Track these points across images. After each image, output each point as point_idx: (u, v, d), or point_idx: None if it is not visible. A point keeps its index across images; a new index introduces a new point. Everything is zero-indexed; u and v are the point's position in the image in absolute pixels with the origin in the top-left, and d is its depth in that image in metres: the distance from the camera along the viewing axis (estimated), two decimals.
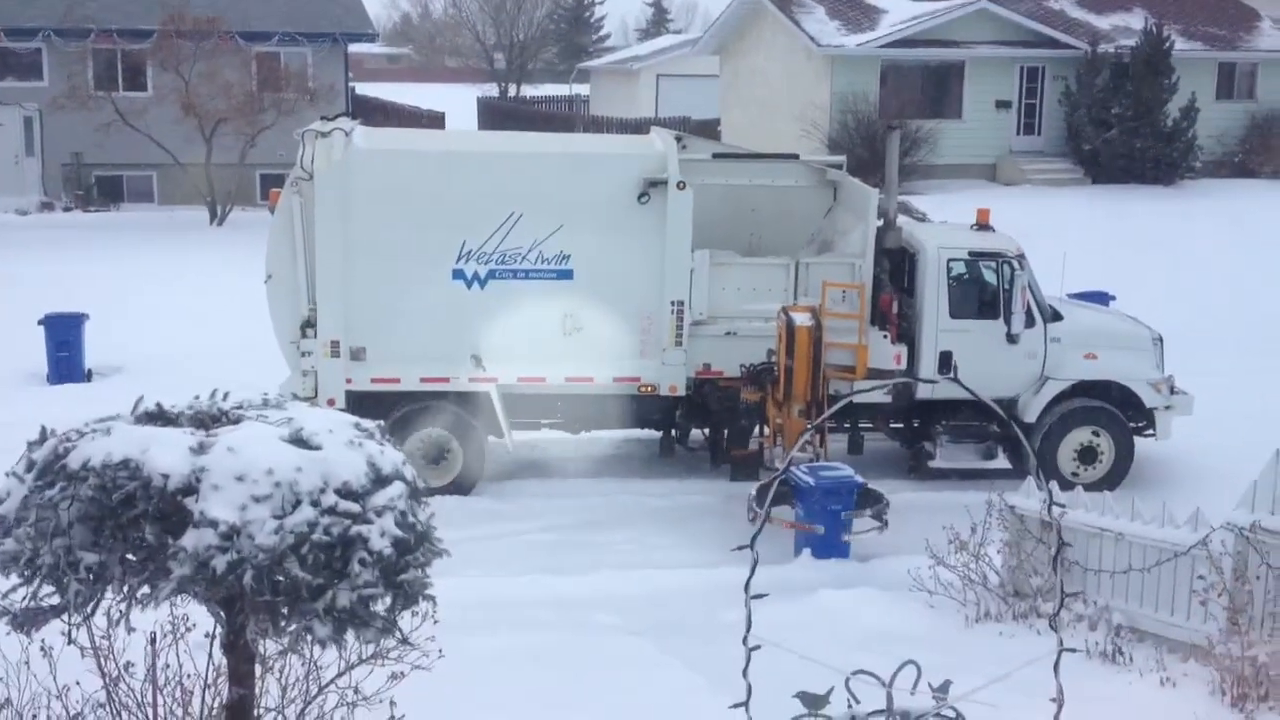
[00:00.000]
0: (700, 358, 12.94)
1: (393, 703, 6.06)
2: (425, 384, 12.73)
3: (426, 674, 5.99)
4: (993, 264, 13.09)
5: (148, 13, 29.60)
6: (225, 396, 5.89)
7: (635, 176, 12.61)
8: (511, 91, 61.61)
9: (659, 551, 11.36)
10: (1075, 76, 29.34)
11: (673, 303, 12.72)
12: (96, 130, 27.67)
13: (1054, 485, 9.41)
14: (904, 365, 12.96)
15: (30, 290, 19.16)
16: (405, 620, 5.56)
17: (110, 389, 15.64)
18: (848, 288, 12.84)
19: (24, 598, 5.26)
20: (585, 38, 74.33)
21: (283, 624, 5.38)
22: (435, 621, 5.73)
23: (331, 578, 5.30)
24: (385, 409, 12.38)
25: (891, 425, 13.69)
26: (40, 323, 16.83)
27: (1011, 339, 12.94)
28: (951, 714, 4.26)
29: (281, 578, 5.19)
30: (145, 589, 5.31)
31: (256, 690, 5.91)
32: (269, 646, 5.74)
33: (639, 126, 31.52)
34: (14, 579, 5.26)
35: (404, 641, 5.64)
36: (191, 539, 5.11)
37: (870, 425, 13.45)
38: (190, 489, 5.20)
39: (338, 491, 5.36)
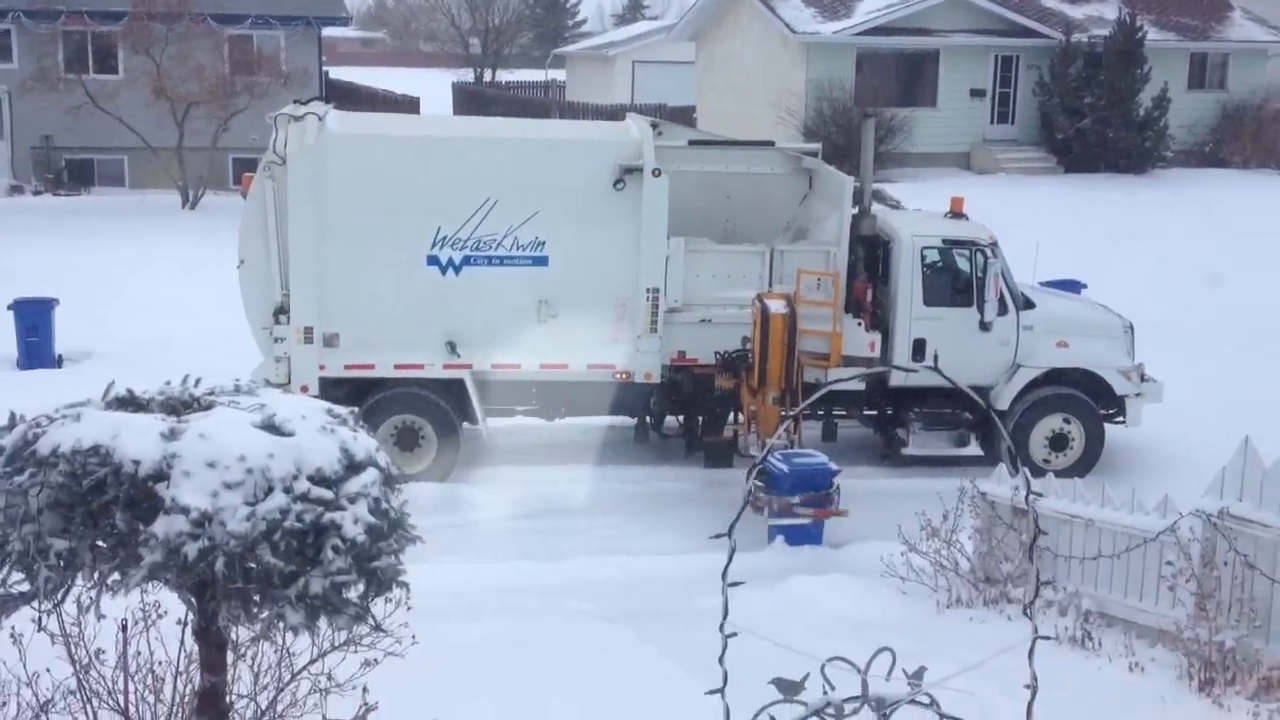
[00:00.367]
0: (675, 345, 12.95)
1: (365, 689, 6.05)
2: (399, 371, 12.69)
3: (400, 661, 5.98)
4: (966, 252, 13.14)
5: None
6: (197, 382, 5.85)
7: (611, 163, 12.59)
8: (487, 77, 61.34)
9: (634, 538, 11.38)
10: (1049, 66, 29.45)
11: (648, 290, 12.72)
12: (67, 113, 27.40)
13: (1027, 472, 9.49)
14: (878, 353, 13.01)
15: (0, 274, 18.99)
16: (378, 607, 5.55)
17: (81, 374, 15.52)
18: (822, 275, 12.87)
19: None
20: (561, 23, 74.10)
21: (255, 611, 5.36)
22: (409, 608, 5.71)
23: (304, 565, 5.28)
24: (359, 396, 12.36)
25: (865, 412, 13.74)
26: (9, 308, 16.69)
27: (984, 327, 13.01)
28: (926, 700, 4.27)
29: (253, 565, 5.17)
30: (116, 576, 5.28)
31: (229, 677, 5.89)
32: (241, 633, 5.72)
33: (615, 113, 31.44)
34: None
35: (377, 628, 5.63)
36: (162, 526, 5.08)
37: (844, 413, 13.50)
38: (161, 475, 5.17)
39: (310, 478, 5.34)
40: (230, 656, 5.86)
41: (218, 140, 27.71)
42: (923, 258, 13.11)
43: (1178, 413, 13.78)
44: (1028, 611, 4.56)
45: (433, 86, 48.12)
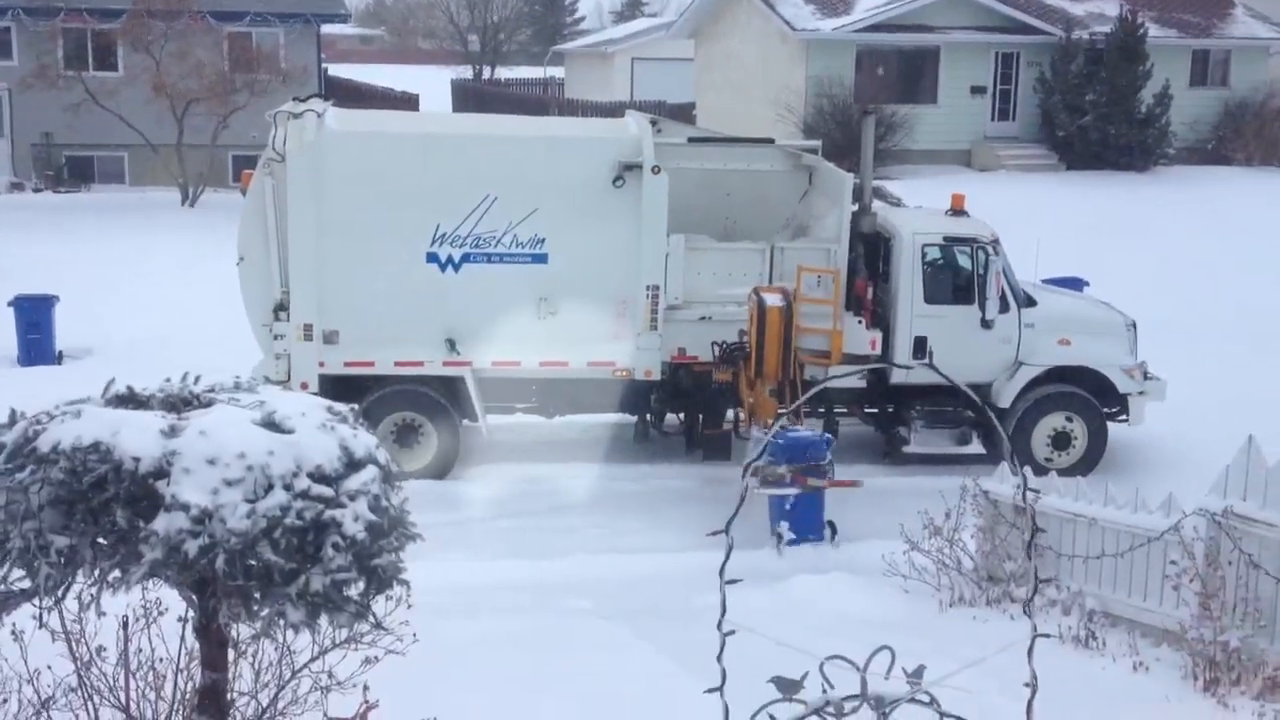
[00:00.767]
0: (675, 342, 12.93)
1: (366, 687, 6.04)
2: (399, 368, 12.67)
3: (400, 658, 5.97)
4: (967, 249, 13.12)
5: None
6: (197, 379, 5.85)
7: (610, 160, 12.57)
8: (486, 74, 61.28)
9: (633, 536, 11.35)
10: (1050, 63, 29.41)
11: (648, 287, 12.69)
12: (67, 110, 27.37)
13: (1028, 471, 9.47)
14: (879, 350, 12.99)
15: (0, 271, 18.94)
16: (379, 605, 5.54)
17: (81, 371, 15.51)
18: (823, 273, 12.85)
19: None
20: (560, 20, 74.04)
21: (255, 608, 5.35)
22: (409, 606, 5.71)
23: (304, 562, 5.27)
24: (359, 393, 12.33)
25: (866, 410, 13.72)
26: (10, 304, 16.67)
27: (986, 324, 12.98)
28: (926, 699, 4.26)
29: (254, 562, 5.16)
30: (116, 573, 5.27)
31: (230, 674, 5.88)
32: (242, 631, 5.72)
33: (614, 110, 31.43)
34: None
35: (377, 626, 5.62)
36: (163, 523, 5.07)
37: (845, 410, 13.48)
38: (161, 472, 5.16)
39: (310, 475, 5.33)
40: (231, 654, 5.86)
41: (217, 137, 27.68)
42: (923, 255, 13.09)
43: (1181, 411, 13.75)
44: (1027, 610, 4.55)
45: (432, 84, 48.09)
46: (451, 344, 12.62)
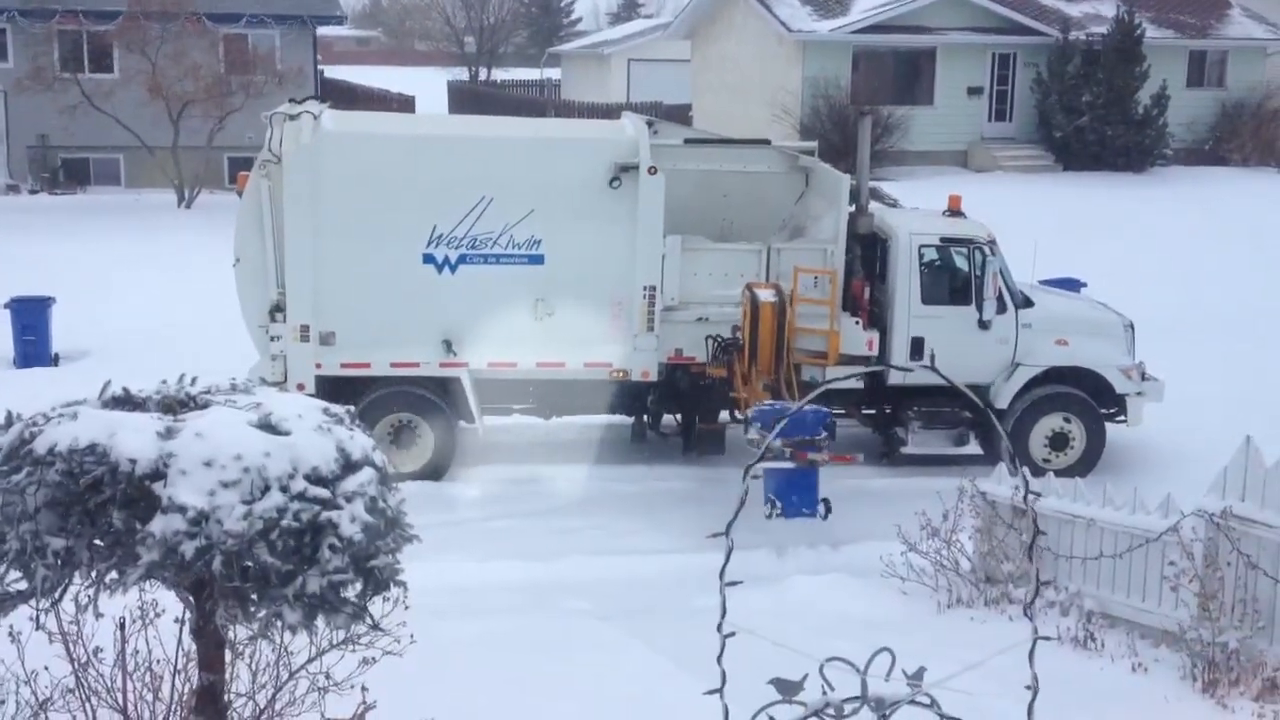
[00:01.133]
0: (672, 343, 12.92)
1: (364, 688, 6.02)
2: (395, 369, 12.66)
3: (398, 659, 5.96)
4: (964, 250, 13.12)
5: None
6: (193, 381, 5.83)
7: (607, 161, 12.56)
8: (482, 75, 61.30)
9: (630, 537, 11.35)
10: (1047, 63, 29.46)
11: (644, 288, 12.69)
12: (62, 112, 27.33)
13: (1026, 471, 9.46)
14: (876, 351, 12.98)
15: None
16: (376, 606, 5.53)
17: (77, 373, 15.49)
18: (819, 273, 12.84)
19: None
20: (556, 22, 74.05)
21: (252, 610, 5.33)
22: (406, 607, 5.69)
23: (301, 564, 5.25)
24: (355, 394, 12.32)
25: (864, 411, 13.72)
26: (6, 306, 16.64)
27: (983, 325, 12.98)
28: (926, 701, 4.24)
29: (250, 563, 5.14)
30: (113, 574, 5.25)
31: (227, 676, 5.86)
32: (239, 632, 5.70)
33: (610, 111, 31.42)
34: None
35: (375, 627, 5.61)
36: (159, 524, 5.05)
37: (842, 411, 13.46)
38: (158, 474, 5.14)
39: (307, 477, 5.31)
40: (228, 655, 5.84)
41: (213, 139, 27.66)
42: (920, 256, 13.09)
43: (1179, 412, 13.76)
44: (1028, 612, 4.54)
45: (428, 85, 48.08)
46: (448, 345, 12.61)
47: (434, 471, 12.74)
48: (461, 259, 12.59)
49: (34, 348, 16.53)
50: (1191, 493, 8.71)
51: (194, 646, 5.73)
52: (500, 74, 61.08)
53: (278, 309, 12.43)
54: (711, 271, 12.92)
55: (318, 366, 12.49)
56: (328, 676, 6.02)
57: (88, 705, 5.90)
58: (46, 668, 5.89)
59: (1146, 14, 30.22)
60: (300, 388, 12.06)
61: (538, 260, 12.64)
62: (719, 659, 4.27)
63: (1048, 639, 5.99)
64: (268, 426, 5.41)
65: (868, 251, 13.28)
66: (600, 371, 12.86)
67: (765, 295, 12.16)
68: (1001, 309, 13.03)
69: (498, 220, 12.53)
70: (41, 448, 5.16)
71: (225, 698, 5.81)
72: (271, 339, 12.47)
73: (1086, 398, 13.25)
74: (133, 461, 5.12)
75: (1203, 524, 8.38)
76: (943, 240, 13.20)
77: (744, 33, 32.38)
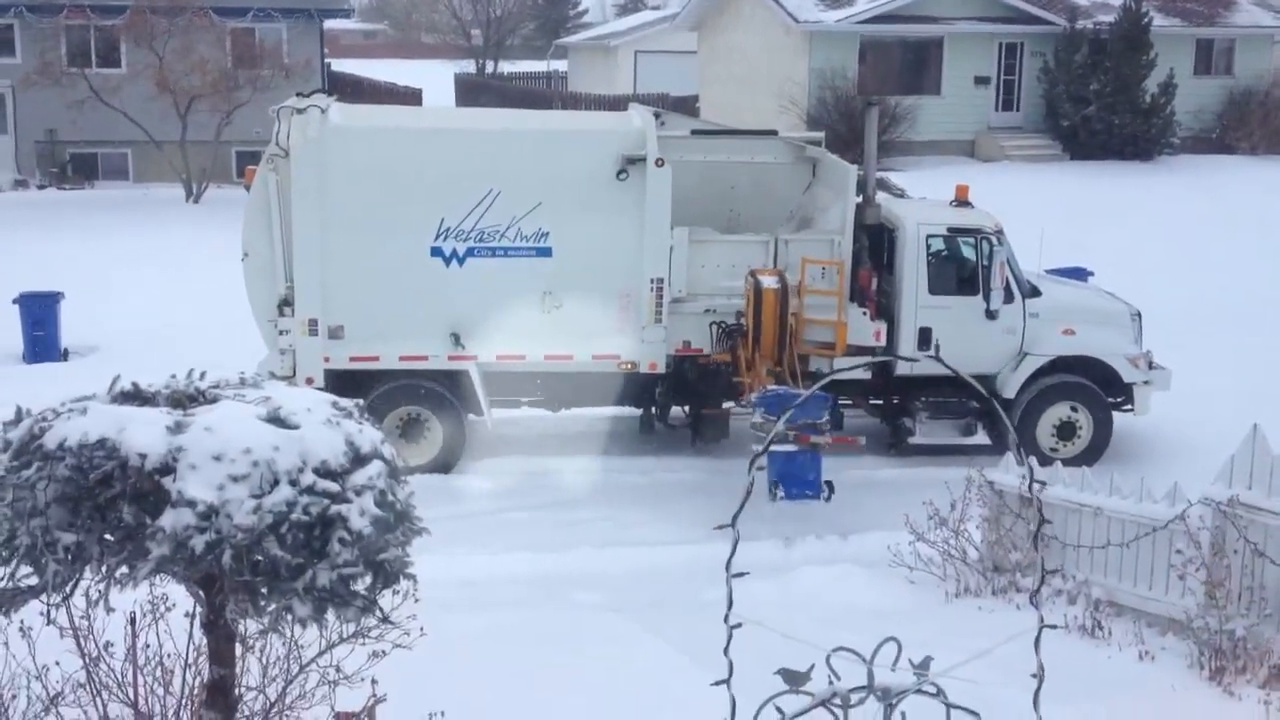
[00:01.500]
0: (680, 335, 12.92)
1: (374, 681, 6.05)
2: (404, 362, 12.68)
3: (408, 652, 5.98)
4: (971, 240, 13.11)
5: None
6: (202, 376, 5.84)
7: (614, 153, 12.55)
8: (489, 68, 61.24)
9: (639, 529, 11.37)
10: (1054, 53, 29.38)
11: (652, 280, 12.69)
12: (70, 107, 27.39)
13: (1033, 461, 9.46)
14: (884, 342, 12.98)
15: (5, 268, 18.97)
16: (386, 599, 5.55)
17: (87, 368, 15.54)
18: (827, 264, 12.84)
19: (1, 578, 5.22)
20: (562, 14, 73.92)
21: (262, 603, 5.35)
22: (416, 600, 5.71)
23: (311, 557, 5.27)
24: (364, 387, 12.35)
25: (871, 402, 13.72)
26: (15, 301, 16.69)
27: (990, 315, 12.97)
28: (933, 690, 4.26)
29: (260, 557, 5.16)
30: (124, 569, 5.28)
31: (237, 669, 5.89)
32: (249, 626, 5.72)
33: (617, 103, 31.39)
34: None
35: (385, 620, 5.63)
36: (169, 519, 5.07)
37: (850, 402, 13.48)
38: (168, 469, 5.16)
39: (316, 471, 5.33)
40: (239, 649, 5.86)
41: (221, 133, 27.69)
42: (928, 246, 13.08)
43: (1186, 400, 13.74)
44: (1034, 600, 4.55)
45: (435, 78, 48.05)
46: (456, 338, 12.63)
47: (443, 464, 12.77)
48: (469, 252, 12.60)
49: (43, 343, 16.60)
50: (1198, 481, 8.72)
51: (204, 640, 5.75)
52: (507, 66, 61.02)
53: (286, 303, 12.45)
54: (719, 263, 12.92)
55: (326, 360, 12.51)
56: (338, 669, 6.05)
57: (98, 700, 5.93)
58: (58, 662, 5.93)
59: (1153, 2, 30.11)
60: (309, 381, 12.09)
61: (545, 253, 12.65)
62: (726, 650, 4.29)
63: (1054, 628, 6.00)
64: (277, 420, 5.43)
65: (875, 242, 13.26)
66: (608, 364, 12.87)
67: (768, 281, 12.21)
68: (1009, 299, 13.02)
69: (505, 213, 12.54)
70: (51, 443, 5.18)
71: (236, 691, 5.83)
72: (280, 333, 12.49)
73: (1094, 387, 13.23)
74: (142, 456, 5.14)
75: (1210, 512, 8.38)
76: (950, 230, 13.19)
77: (751, 24, 32.32)
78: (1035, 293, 13.33)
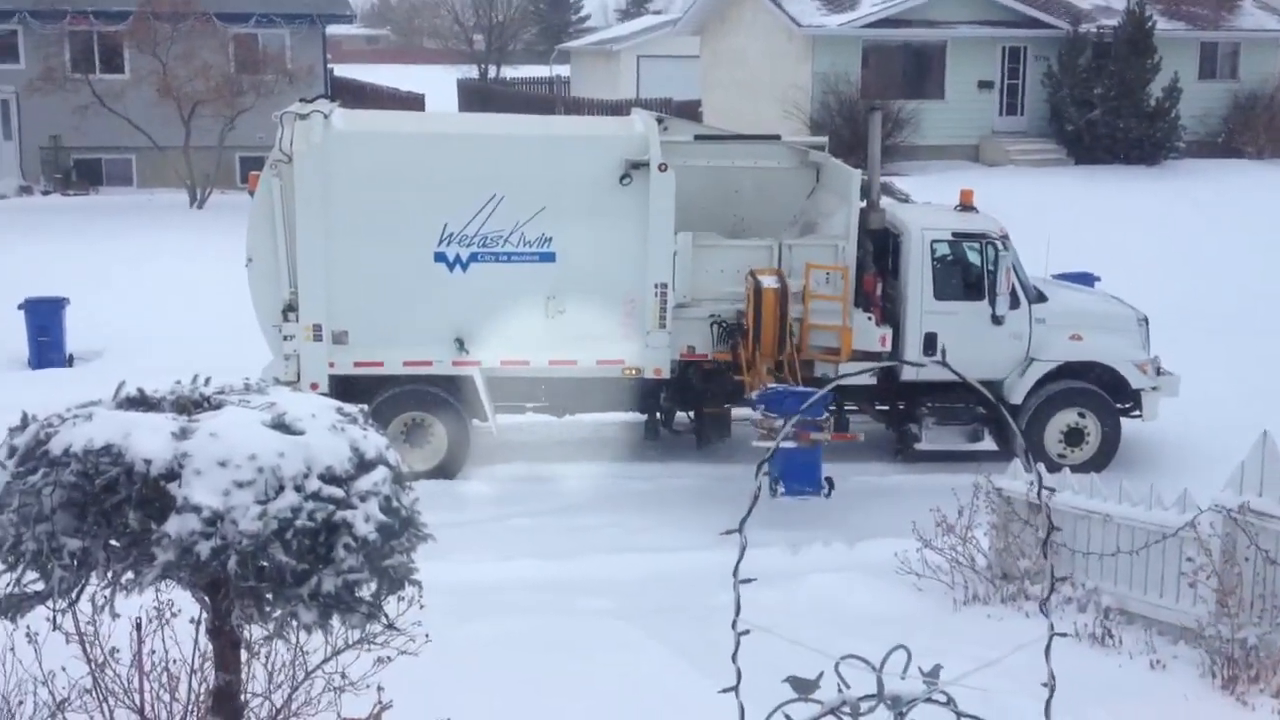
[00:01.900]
0: (684, 340, 12.90)
1: (380, 688, 6.02)
2: (408, 367, 12.66)
3: (413, 659, 5.95)
4: (977, 245, 13.08)
5: None
6: (207, 381, 5.83)
7: (617, 158, 12.54)
8: (491, 73, 61.30)
9: (645, 534, 11.34)
10: (1057, 57, 29.34)
11: (656, 285, 12.67)
12: (74, 113, 27.40)
13: (1042, 467, 9.41)
14: (889, 347, 12.95)
15: (10, 274, 18.98)
16: (391, 605, 5.52)
17: (92, 373, 15.54)
18: (831, 269, 12.81)
19: (8, 584, 5.21)
20: (565, 18, 74.03)
21: (268, 609, 5.33)
22: (421, 606, 5.69)
23: (316, 563, 5.25)
24: (369, 393, 12.34)
25: (877, 407, 13.68)
26: (20, 307, 16.69)
27: (996, 320, 12.94)
28: (943, 699, 4.22)
29: (266, 563, 5.14)
30: (129, 575, 5.26)
31: (243, 676, 5.86)
32: (254, 632, 5.69)
33: (620, 108, 31.40)
34: None
35: (390, 627, 5.60)
36: (175, 525, 5.05)
37: (855, 408, 13.44)
38: (173, 474, 5.14)
39: (321, 477, 5.31)
40: (244, 655, 5.84)
41: (224, 139, 27.70)
42: (933, 251, 13.05)
43: (1195, 406, 13.70)
44: (1044, 608, 4.51)
45: (437, 83, 48.11)
46: (460, 343, 12.61)
47: (447, 470, 12.74)
48: (473, 257, 12.58)
49: (49, 348, 16.60)
50: (1208, 488, 8.67)
51: (210, 646, 5.73)
52: (509, 71, 61.08)
53: (290, 308, 12.44)
54: (723, 268, 12.90)
55: (331, 365, 12.50)
56: (343, 676, 6.02)
57: (105, 706, 5.91)
58: (64, 668, 5.91)
59: (1157, 6, 30.06)
60: (314, 387, 12.08)
61: (549, 258, 12.63)
62: (734, 657, 4.25)
63: (1064, 636, 5.97)
64: (282, 426, 5.41)
65: (879, 247, 13.24)
66: (613, 369, 12.85)
67: (768, 281, 12.26)
68: (1015, 304, 12.98)
69: (509, 218, 12.52)
70: (57, 449, 5.16)
71: (241, 698, 5.81)
72: (285, 338, 12.48)
73: (1101, 393, 13.19)
74: (148, 462, 5.12)
75: (1220, 519, 8.33)
76: (955, 235, 13.16)
77: (753, 28, 32.31)
78: (1041, 298, 13.29)
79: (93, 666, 5.86)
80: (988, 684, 4.88)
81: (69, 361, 16.75)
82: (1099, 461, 12.90)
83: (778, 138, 15.10)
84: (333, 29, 34.39)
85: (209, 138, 27.50)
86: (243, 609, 5.35)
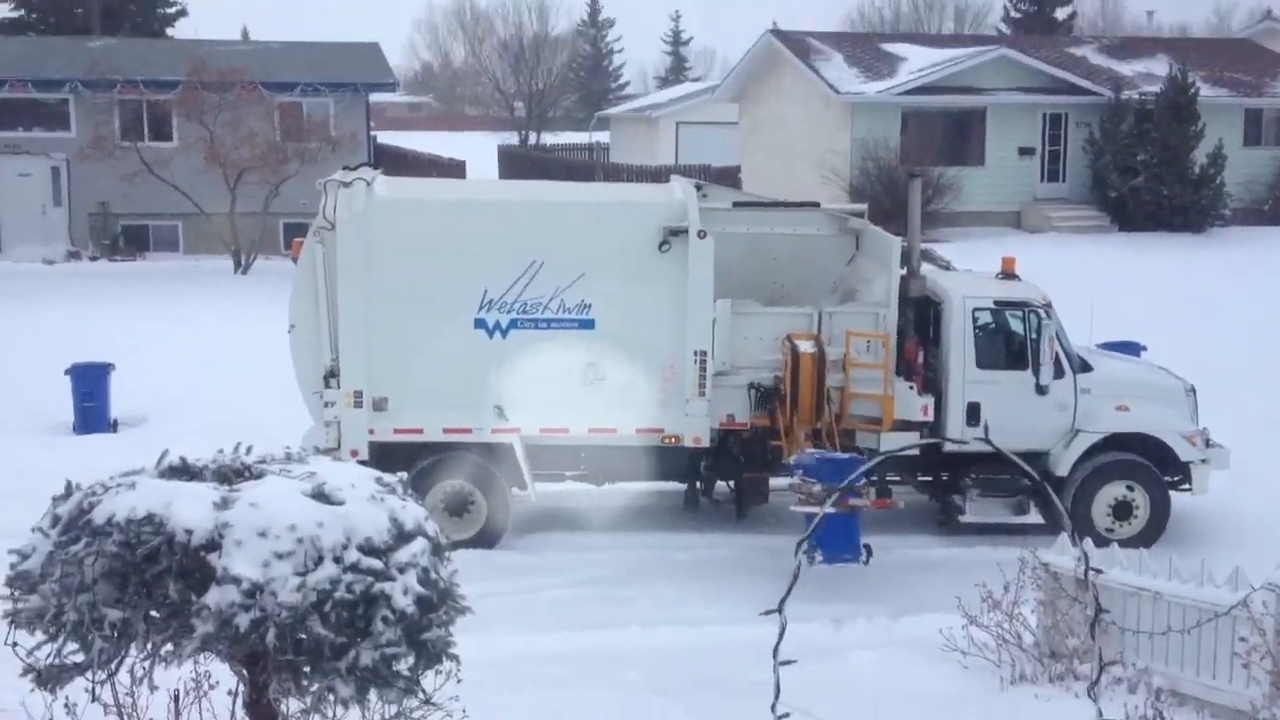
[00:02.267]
0: (724, 408, 12.81)
1: None
2: (448, 434, 12.64)
3: None
4: (1019, 313, 12.96)
5: (173, 64, 29.97)
6: (248, 450, 5.84)
7: (656, 225, 12.56)
8: (531, 139, 62.04)
9: (684, 607, 11.19)
10: (1099, 123, 29.31)
11: (695, 352, 12.62)
12: (122, 180, 27.91)
13: (1089, 543, 9.22)
14: (931, 417, 12.79)
15: (57, 340, 19.22)
16: (428, 679, 5.46)
17: (136, 439, 15.61)
18: (872, 337, 12.72)
19: (48, 655, 5.19)
20: (604, 85, 74.96)
21: (305, 683, 5.29)
22: (459, 680, 5.62)
23: (354, 636, 5.21)
24: (408, 460, 12.31)
25: (920, 478, 13.50)
26: (66, 373, 16.86)
27: (1040, 390, 12.77)
28: None
29: (304, 636, 5.11)
30: (169, 646, 5.24)
31: None
32: (292, 705, 5.64)
33: (659, 174, 31.61)
34: (39, 635, 5.18)
35: (427, 702, 5.55)
36: (215, 596, 5.04)
37: (898, 479, 13.27)
38: (214, 544, 5.14)
39: (360, 548, 5.29)
40: None
41: (269, 205, 28.10)
42: (974, 319, 12.94)
43: (1246, 480, 13.43)
44: (1092, 693, 4.38)
45: (478, 150, 48.71)
46: (499, 410, 12.58)
47: (487, 539, 12.66)
48: (513, 324, 12.60)
49: (93, 414, 16.73)
50: (1261, 564, 8.46)
51: None
52: (549, 138, 61.80)
53: (331, 374, 12.48)
54: (762, 335, 12.84)
55: (371, 432, 12.50)
56: None
57: None
58: None
59: (1199, 72, 30.03)
60: (354, 454, 12.07)
61: (588, 325, 12.62)
62: None
63: None
64: (321, 496, 5.40)
65: (920, 315, 13.14)
66: (652, 437, 12.77)
67: (804, 346, 12.22)
68: (1059, 373, 12.82)
69: (548, 284, 12.54)
70: (100, 518, 5.17)
71: None
72: (325, 405, 12.50)
73: (1150, 465, 12.94)
74: (189, 532, 5.12)
75: (1274, 598, 8.12)
76: (997, 303, 13.05)
77: (792, 95, 32.53)
78: (1086, 367, 13.13)
79: None
80: None
81: (114, 427, 16.87)
82: (1148, 536, 12.64)
83: (817, 205, 15.06)
84: (376, 97, 34.92)
85: (254, 204, 27.89)
86: (280, 682, 5.31)
